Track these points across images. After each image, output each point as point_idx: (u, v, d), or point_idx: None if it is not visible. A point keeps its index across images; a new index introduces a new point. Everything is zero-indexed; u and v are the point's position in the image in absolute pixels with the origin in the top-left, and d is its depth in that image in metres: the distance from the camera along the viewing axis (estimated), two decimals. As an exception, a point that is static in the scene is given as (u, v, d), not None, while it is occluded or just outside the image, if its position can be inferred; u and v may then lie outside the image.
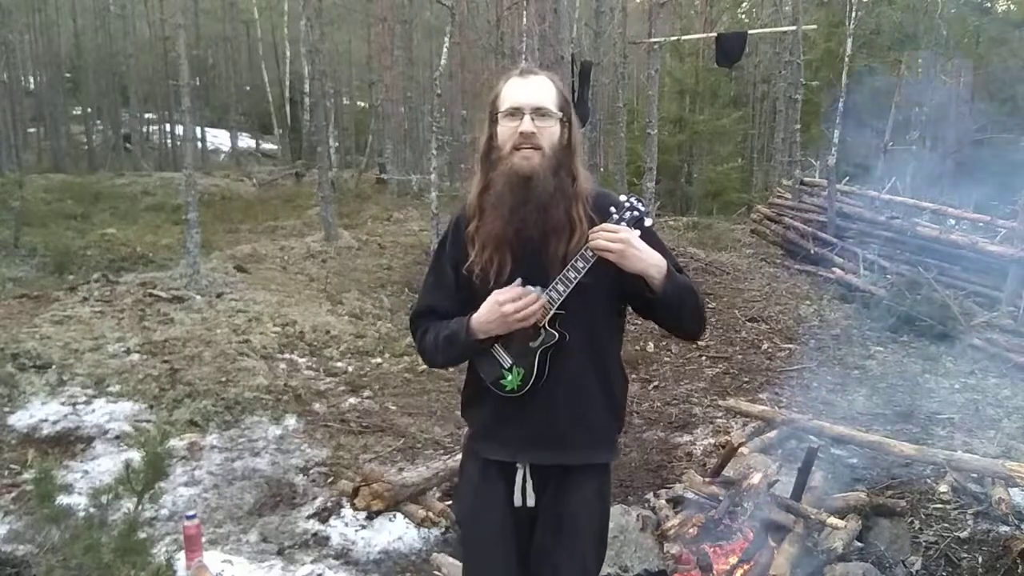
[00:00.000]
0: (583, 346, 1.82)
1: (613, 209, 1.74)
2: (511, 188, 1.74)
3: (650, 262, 1.71)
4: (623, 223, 1.71)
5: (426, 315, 1.95)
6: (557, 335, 1.77)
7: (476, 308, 1.80)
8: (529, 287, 1.75)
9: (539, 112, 1.75)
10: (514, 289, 1.75)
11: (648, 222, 1.75)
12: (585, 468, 1.91)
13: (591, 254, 1.71)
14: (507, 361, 1.82)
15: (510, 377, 1.82)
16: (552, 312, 1.74)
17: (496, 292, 1.75)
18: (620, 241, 1.69)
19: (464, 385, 2.03)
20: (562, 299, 1.73)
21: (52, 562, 2.43)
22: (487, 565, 1.93)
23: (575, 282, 1.72)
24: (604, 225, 1.71)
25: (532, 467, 1.89)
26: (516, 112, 1.75)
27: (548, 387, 1.81)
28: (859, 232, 9.40)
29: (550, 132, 1.77)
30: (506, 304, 1.72)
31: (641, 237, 1.72)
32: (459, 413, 2.08)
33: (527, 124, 1.73)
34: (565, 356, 1.80)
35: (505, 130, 1.77)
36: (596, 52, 15.57)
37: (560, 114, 1.79)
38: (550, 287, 1.73)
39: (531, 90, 1.78)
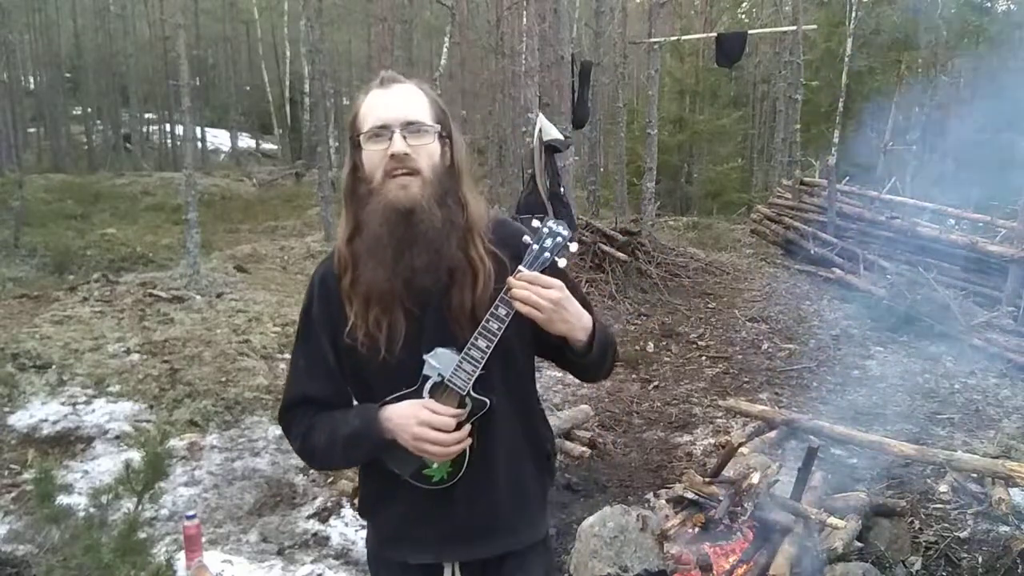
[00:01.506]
0: (510, 408, 1.53)
1: (528, 240, 1.40)
2: (390, 227, 1.38)
3: (579, 325, 1.42)
4: (544, 254, 1.39)
5: (301, 407, 1.54)
6: (487, 401, 1.44)
7: (366, 386, 1.48)
8: (441, 350, 1.43)
9: (411, 128, 1.40)
10: (448, 415, 1.40)
11: (573, 247, 1.42)
12: (525, 551, 1.60)
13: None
14: None
15: (436, 465, 1.47)
16: (477, 374, 1.41)
17: (427, 403, 1.41)
18: (551, 302, 1.36)
19: (360, 482, 1.66)
20: (487, 358, 1.40)
21: (52, 562, 2.44)
22: None
23: (499, 335, 1.39)
24: (530, 275, 1.37)
25: (462, 564, 1.57)
26: (382, 131, 1.40)
27: (478, 467, 1.48)
28: (859, 232, 9.40)
29: (428, 151, 1.42)
30: (424, 427, 1.39)
31: (559, 270, 1.41)
32: (357, 513, 1.72)
33: (398, 143, 1.38)
34: (492, 425, 1.48)
35: (372, 155, 1.41)
36: (596, 52, 15.58)
37: (437, 127, 1.44)
38: (468, 345, 1.40)
39: (397, 101, 1.42)
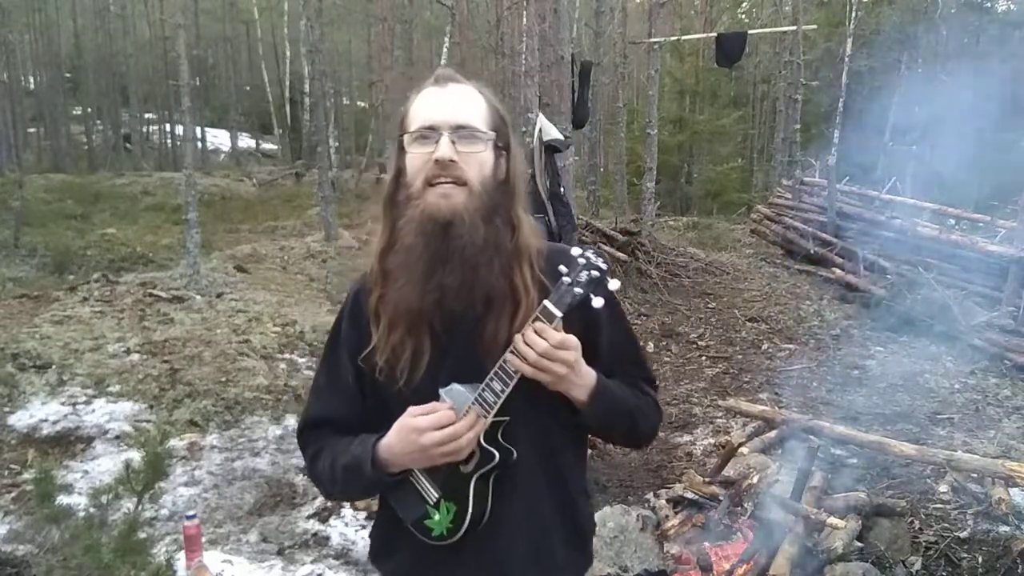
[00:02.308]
0: (536, 464, 1.33)
1: (563, 268, 1.21)
2: (425, 239, 1.23)
3: (579, 382, 1.26)
4: (574, 290, 1.19)
5: (318, 428, 1.42)
6: (498, 454, 1.26)
7: (385, 416, 1.30)
8: (457, 386, 1.24)
9: (462, 132, 1.25)
10: (439, 410, 1.23)
11: (614, 285, 1.23)
12: None
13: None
14: (432, 494, 1.30)
15: (437, 517, 1.29)
16: (490, 421, 1.23)
17: (411, 412, 1.24)
18: (564, 363, 1.20)
19: (374, 524, 1.51)
20: (501, 401, 1.21)
21: (52, 562, 2.44)
22: None
23: (516, 379, 1.20)
24: (541, 328, 1.19)
25: None
26: (430, 133, 1.25)
27: (491, 526, 1.29)
28: (859, 232, 9.40)
29: (479, 161, 1.26)
30: (427, 433, 1.21)
31: (602, 308, 1.23)
32: (368, 559, 1.52)
33: (444, 148, 1.22)
34: (513, 480, 1.29)
35: (415, 159, 1.26)
36: (596, 52, 15.58)
37: (492, 135, 1.28)
38: (482, 385, 1.22)
39: (451, 102, 1.28)
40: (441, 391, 1.26)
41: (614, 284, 1.24)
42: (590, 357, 1.28)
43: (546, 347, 1.18)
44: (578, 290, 1.20)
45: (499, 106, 1.34)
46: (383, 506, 1.43)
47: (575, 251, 1.22)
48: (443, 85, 1.31)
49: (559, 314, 1.20)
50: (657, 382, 1.51)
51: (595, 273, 1.21)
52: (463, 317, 1.26)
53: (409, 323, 1.27)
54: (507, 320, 1.26)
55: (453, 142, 1.24)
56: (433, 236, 1.23)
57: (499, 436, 1.26)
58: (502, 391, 1.21)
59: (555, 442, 1.36)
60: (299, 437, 1.48)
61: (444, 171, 1.23)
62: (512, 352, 1.20)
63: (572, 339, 1.22)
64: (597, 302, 1.21)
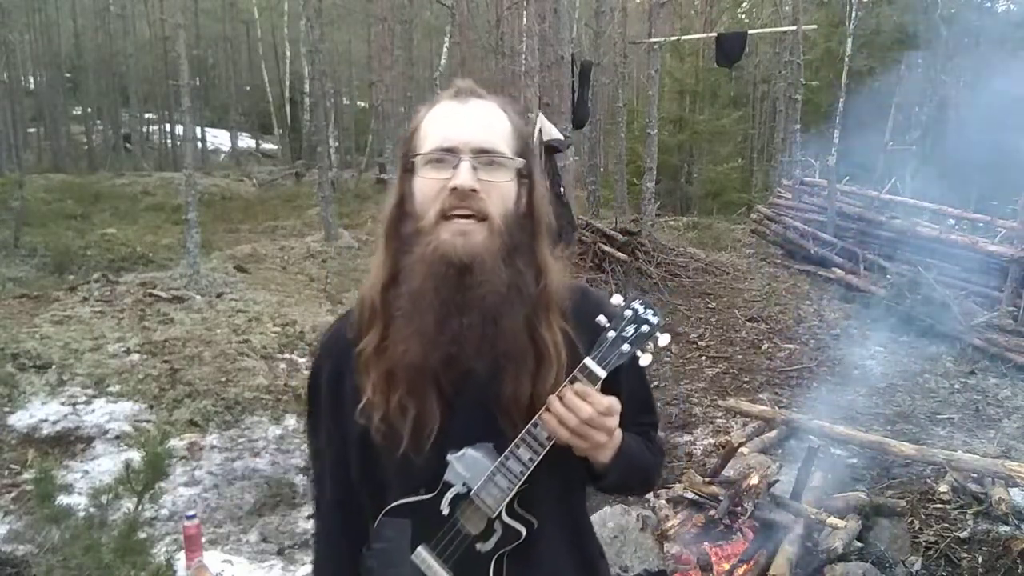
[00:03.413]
0: (557, 532, 1.17)
1: (603, 321, 1.07)
2: (436, 284, 1.05)
3: (611, 446, 1.12)
4: (622, 346, 1.05)
5: (338, 512, 1.24)
6: (523, 529, 1.10)
7: (377, 483, 1.15)
8: (471, 452, 1.09)
9: (485, 157, 1.07)
10: None
11: (664, 340, 1.09)
12: None
13: None
14: None
15: None
16: (514, 493, 1.07)
17: None
18: (607, 431, 1.06)
19: None
20: (530, 472, 1.06)
21: (52, 562, 2.44)
22: None
23: (548, 446, 1.06)
24: (584, 391, 1.04)
25: None
26: (447, 156, 1.07)
27: None
28: (859, 232, 9.40)
29: (501, 192, 1.08)
30: None
31: (639, 369, 1.13)
32: None
33: (465, 175, 1.05)
34: (533, 553, 1.12)
35: (427, 185, 1.08)
36: (596, 52, 15.58)
37: (520, 163, 1.11)
38: (506, 453, 1.06)
39: (473, 121, 1.09)
40: (451, 457, 1.09)
41: (664, 339, 1.08)
42: None
43: (591, 413, 1.03)
44: (626, 347, 1.05)
45: (524, 128, 1.17)
46: None
47: (617, 299, 1.08)
48: (464, 100, 1.12)
49: (603, 375, 1.05)
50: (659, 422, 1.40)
51: (645, 328, 1.06)
52: (477, 375, 1.09)
53: (412, 383, 1.08)
54: (528, 378, 1.08)
55: (474, 168, 1.06)
56: (447, 281, 1.04)
57: (516, 505, 1.09)
58: (531, 460, 1.05)
59: (574, 505, 1.23)
60: (315, 519, 1.30)
61: (463, 202, 1.05)
62: (548, 415, 1.05)
63: (617, 404, 1.07)
64: (645, 360, 1.07)
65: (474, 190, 1.05)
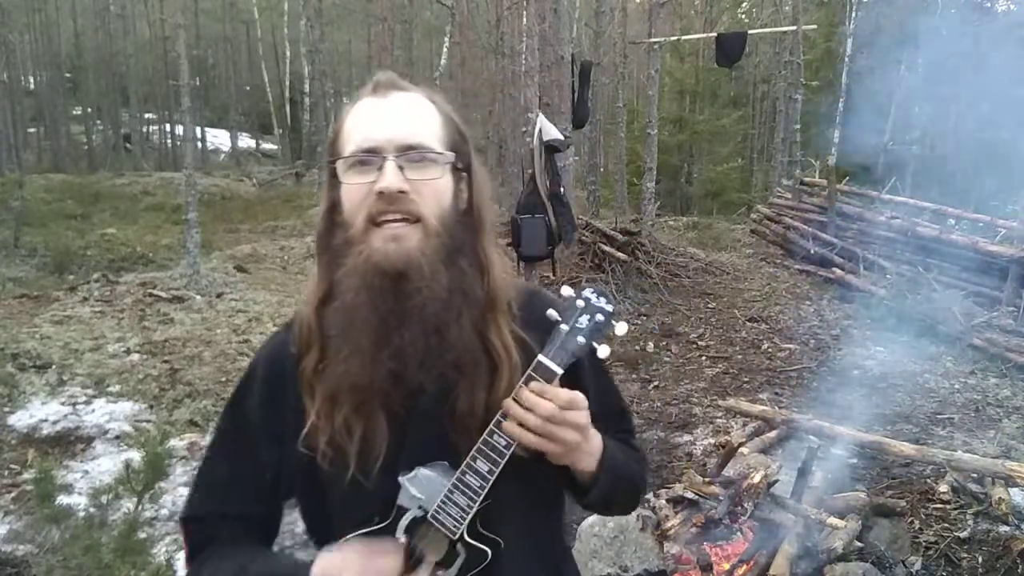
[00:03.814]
0: (523, 549, 1.07)
1: (554, 315, 0.99)
2: (371, 297, 0.96)
3: (588, 450, 1.03)
4: (577, 339, 0.98)
5: (209, 525, 1.12)
6: (488, 552, 1.00)
7: (322, 515, 1.06)
8: (424, 471, 0.99)
9: (411, 154, 0.98)
10: (390, 548, 0.99)
11: (621, 329, 1.02)
12: None
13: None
14: None
15: None
16: (475, 511, 0.98)
17: (369, 550, 0.98)
18: (575, 428, 0.98)
19: None
20: (489, 485, 0.97)
21: (52, 562, 2.44)
22: None
23: (508, 455, 0.97)
24: (541, 388, 0.96)
25: None
26: (370, 157, 0.98)
27: None
28: (859, 232, 9.41)
29: (434, 190, 0.99)
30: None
31: (599, 361, 1.05)
32: None
33: (390, 176, 0.96)
34: (497, 573, 1.02)
35: (353, 191, 0.99)
36: (596, 52, 15.59)
37: (451, 157, 1.02)
38: (462, 468, 0.98)
39: (395, 117, 1.00)
40: (403, 479, 0.99)
41: (621, 328, 1.01)
42: None
43: (552, 409, 0.95)
44: (580, 339, 0.98)
45: (455, 117, 1.06)
46: None
47: (566, 291, 1.00)
48: (384, 95, 1.02)
49: (559, 371, 0.97)
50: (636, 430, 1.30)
51: (600, 317, 0.99)
52: (426, 390, 1.00)
53: (357, 404, 0.99)
54: (483, 388, 1.01)
55: (401, 168, 0.97)
56: (383, 293, 0.96)
57: (478, 525, 0.99)
58: (490, 472, 0.96)
59: (541, 518, 1.13)
60: (183, 524, 1.15)
61: (391, 205, 0.96)
62: (504, 421, 0.97)
63: (581, 397, 0.98)
64: (603, 351, 0.99)
65: (402, 191, 0.96)
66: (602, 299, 1.00)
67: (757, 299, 8.54)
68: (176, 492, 4.19)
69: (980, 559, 3.20)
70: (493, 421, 0.98)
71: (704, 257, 10.16)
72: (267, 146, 31.47)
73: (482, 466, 0.97)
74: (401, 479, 0.99)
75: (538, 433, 0.96)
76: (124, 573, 2.28)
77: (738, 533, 3.37)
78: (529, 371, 0.98)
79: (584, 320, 0.99)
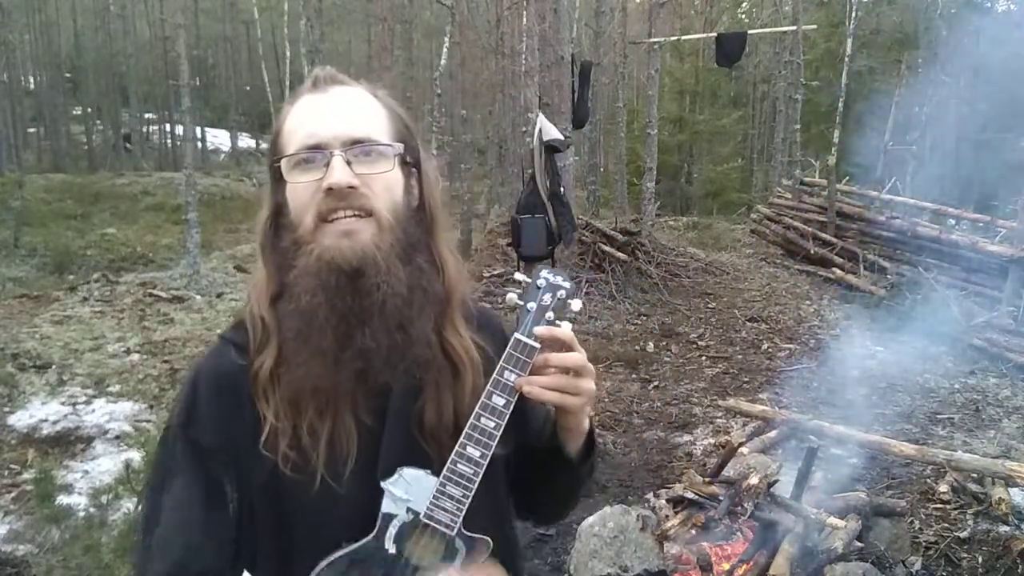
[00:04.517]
0: (499, 553, 1.03)
1: (515, 299, 0.97)
2: (328, 296, 0.91)
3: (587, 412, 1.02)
4: (547, 315, 0.96)
5: None
6: (490, 542, 0.99)
7: (284, 536, 0.97)
8: (409, 471, 0.95)
9: (358, 148, 0.94)
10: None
11: (576, 306, 0.98)
12: None
13: (511, 382, 0.94)
14: None
15: None
16: (468, 503, 0.94)
17: None
18: (589, 375, 0.97)
19: None
20: (483, 471, 0.94)
21: (52, 562, 2.44)
22: None
23: (497, 438, 0.94)
24: (549, 333, 0.95)
25: None
26: (314, 155, 0.94)
27: None
28: (859, 232, 9.41)
29: (385, 183, 0.96)
30: None
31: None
32: None
33: (339, 172, 0.91)
34: None
35: (300, 190, 0.95)
36: (596, 52, 15.58)
37: (399, 148, 0.98)
38: (452, 458, 0.94)
39: (338, 110, 0.96)
40: (385, 484, 0.94)
41: (576, 305, 0.98)
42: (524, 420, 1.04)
43: (582, 359, 0.95)
44: (550, 315, 0.96)
45: (400, 110, 1.02)
46: None
47: (518, 276, 0.99)
48: (324, 89, 0.98)
49: (538, 345, 0.95)
50: None
51: (562, 294, 0.97)
52: (392, 391, 0.97)
53: (321, 404, 0.94)
54: (448, 393, 0.97)
55: (348, 162, 0.92)
56: (340, 291, 0.91)
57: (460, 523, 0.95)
58: (483, 456, 0.93)
59: (505, 514, 1.10)
60: None
61: (342, 202, 0.92)
62: (495, 394, 0.94)
63: (576, 345, 0.96)
64: (566, 326, 0.97)
65: (352, 187, 0.92)
66: (559, 277, 0.98)
67: (757, 299, 8.54)
68: (176, 492, 4.20)
69: (980, 559, 3.20)
70: (480, 403, 0.94)
71: (704, 257, 10.16)
72: (267, 146, 31.46)
73: (473, 452, 0.93)
74: (384, 484, 0.94)
75: (563, 389, 0.94)
76: (124, 573, 2.28)
77: (738, 533, 3.37)
78: (509, 350, 0.95)
79: (548, 297, 0.97)
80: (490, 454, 0.94)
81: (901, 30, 16.73)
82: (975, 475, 3.66)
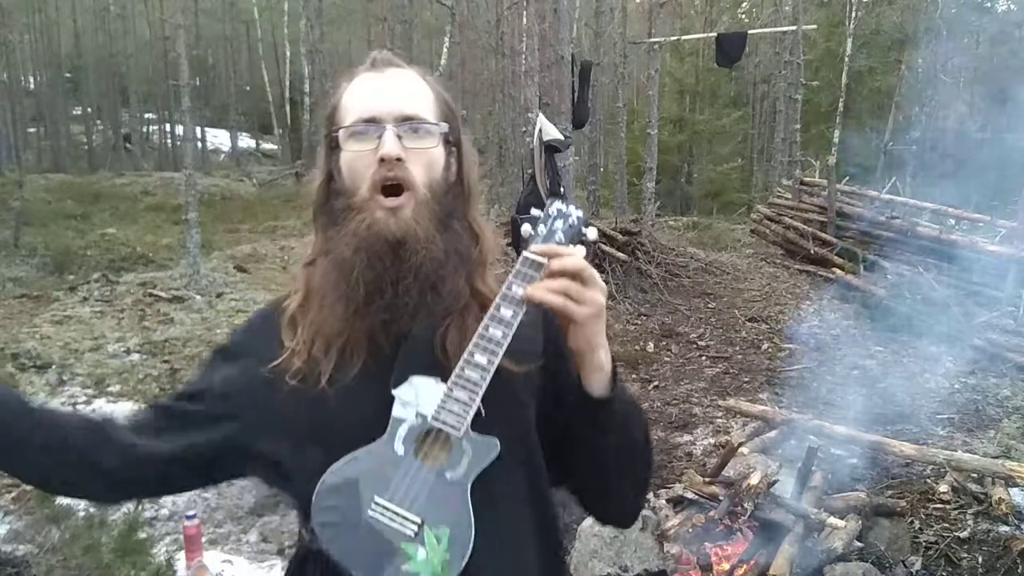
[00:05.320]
0: (515, 461, 1.03)
1: (528, 230, 1.01)
2: (368, 257, 1.00)
3: (602, 344, 1.00)
4: (556, 237, 1.00)
5: (162, 414, 1.11)
6: (497, 442, 0.97)
7: (310, 436, 1.02)
8: (418, 378, 0.99)
9: (409, 124, 1.03)
10: None
11: (592, 234, 1.02)
12: None
13: (518, 295, 0.97)
14: (410, 524, 0.94)
15: (422, 554, 0.93)
16: (476, 405, 0.96)
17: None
18: (596, 286, 0.97)
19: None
20: (490, 376, 0.96)
21: (52, 562, 2.44)
22: None
23: (505, 347, 0.96)
24: (551, 249, 0.98)
25: None
26: (369, 127, 1.03)
27: (486, 549, 0.96)
28: (859, 232, 9.41)
29: (427, 160, 1.04)
30: None
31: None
32: None
33: (390, 144, 1.00)
34: (493, 485, 0.99)
35: (354, 159, 1.04)
36: (596, 52, 15.58)
37: (444, 128, 1.07)
38: (460, 365, 0.96)
39: (393, 90, 1.06)
40: (396, 391, 0.99)
41: (592, 233, 1.02)
42: (556, 397, 1.07)
43: (582, 264, 0.96)
44: (560, 237, 0.99)
45: (447, 96, 1.13)
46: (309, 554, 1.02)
47: (534, 212, 1.03)
48: (382, 70, 1.08)
49: (543, 260, 0.98)
50: None
51: (572, 221, 1.01)
52: (414, 335, 1.03)
53: (342, 338, 1.02)
54: (474, 321, 1.02)
55: (399, 136, 1.02)
56: (381, 256, 1.00)
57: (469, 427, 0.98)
58: (489, 362, 0.95)
59: (533, 442, 1.08)
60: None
61: (390, 172, 1.01)
62: (502, 306, 0.97)
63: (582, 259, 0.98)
64: (580, 252, 0.99)
65: (399, 159, 1.01)
66: (571, 206, 1.03)
67: (757, 299, 8.55)
68: (176, 492, 4.20)
69: (980, 559, 3.20)
70: (488, 314, 0.98)
71: (704, 257, 10.16)
72: (267, 146, 31.45)
73: (480, 359, 0.96)
74: (394, 391, 1.00)
75: (567, 293, 0.96)
76: (124, 573, 2.28)
77: (738, 533, 3.37)
78: (518, 266, 0.99)
79: (559, 224, 1.01)
80: (497, 362, 0.96)
81: (901, 30, 16.72)
82: (975, 475, 3.66)
